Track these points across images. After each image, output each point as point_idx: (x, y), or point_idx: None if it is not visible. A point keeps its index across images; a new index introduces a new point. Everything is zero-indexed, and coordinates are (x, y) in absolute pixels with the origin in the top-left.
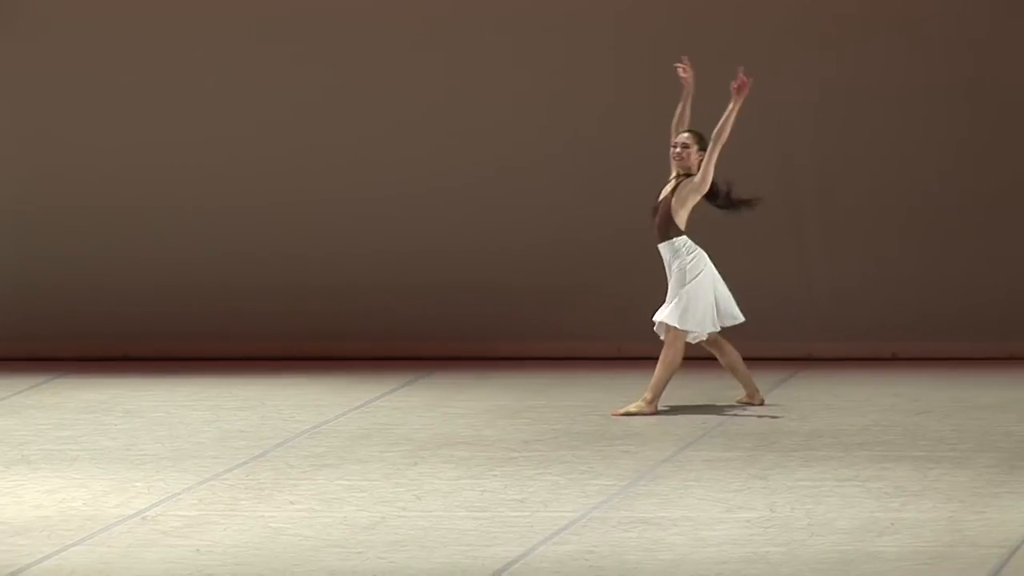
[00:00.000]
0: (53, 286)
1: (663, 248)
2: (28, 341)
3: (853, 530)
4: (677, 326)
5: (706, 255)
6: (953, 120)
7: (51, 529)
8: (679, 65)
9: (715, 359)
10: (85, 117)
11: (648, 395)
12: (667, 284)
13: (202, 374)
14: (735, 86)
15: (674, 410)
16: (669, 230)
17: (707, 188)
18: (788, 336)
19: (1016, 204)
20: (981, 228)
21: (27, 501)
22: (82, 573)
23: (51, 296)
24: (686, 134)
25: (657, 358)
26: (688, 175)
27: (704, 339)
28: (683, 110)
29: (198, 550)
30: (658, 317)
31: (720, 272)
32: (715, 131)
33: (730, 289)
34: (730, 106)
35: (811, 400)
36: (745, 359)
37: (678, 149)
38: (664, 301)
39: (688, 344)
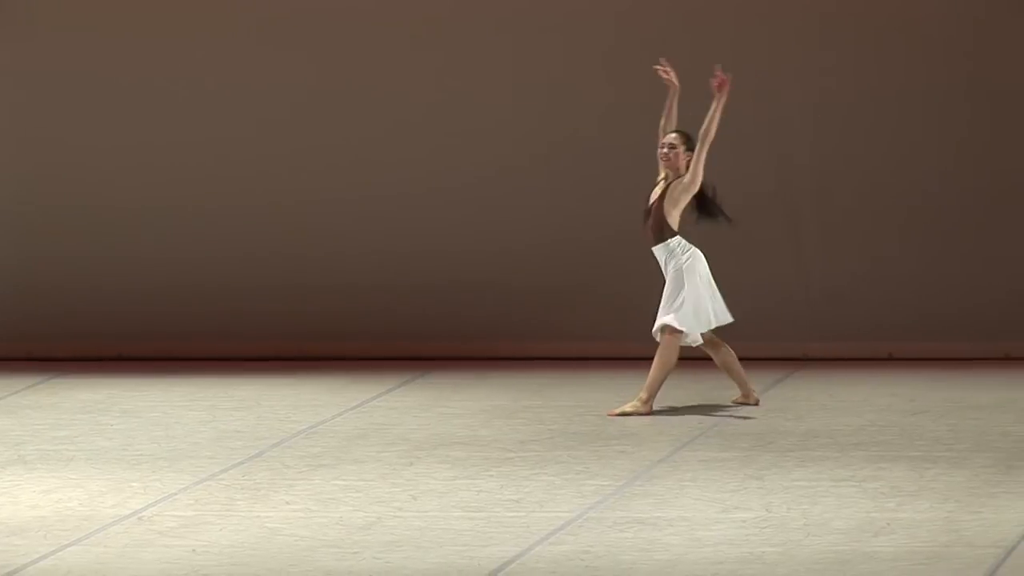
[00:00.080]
0: (52, 286)
1: (658, 250)
2: (27, 341)
3: (849, 530)
4: (677, 327)
5: (700, 253)
6: (952, 120)
7: (47, 529)
8: (658, 68)
9: (710, 359)
10: (85, 117)
11: (644, 395)
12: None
13: (199, 374)
14: (715, 84)
15: (670, 410)
16: (663, 232)
17: (698, 187)
18: (784, 336)
19: (1015, 204)
20: (979, 228)
21: (23, 501)
22: (78, 573)
23: (50, 296)
24: (673, 134)
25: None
26: (677, 176)
27: (700, 342)
28: (670, 110)
29: (194, 550)
30: (658, 323)
31: (717, 271)
32: (701, 130)
33: (727, 288)
34: (713, 104)
35: (807, 400)
36: (741, 359)
37: (665, 150)
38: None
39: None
